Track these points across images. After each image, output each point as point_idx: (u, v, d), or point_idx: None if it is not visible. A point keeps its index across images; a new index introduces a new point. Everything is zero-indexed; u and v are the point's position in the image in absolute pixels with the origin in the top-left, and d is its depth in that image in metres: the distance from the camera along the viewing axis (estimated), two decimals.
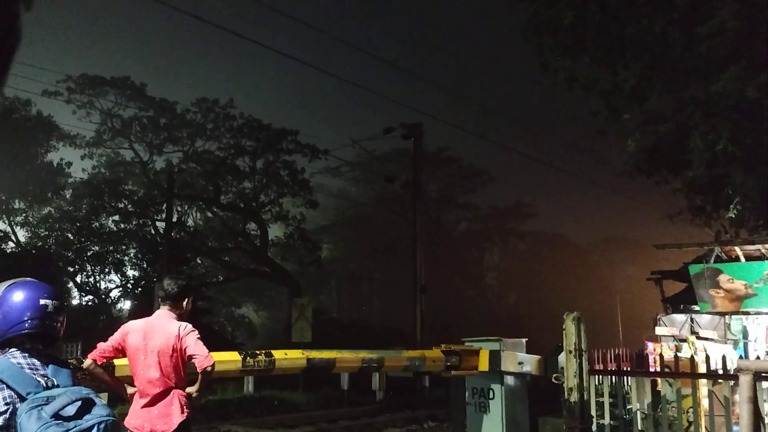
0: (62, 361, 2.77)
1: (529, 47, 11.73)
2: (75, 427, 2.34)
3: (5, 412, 2.46)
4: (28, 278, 2.81)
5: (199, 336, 4.87)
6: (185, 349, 4.80)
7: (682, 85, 11.06)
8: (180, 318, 4.99)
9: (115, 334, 4.92)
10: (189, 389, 4.89)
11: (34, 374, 2.57)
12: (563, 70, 11.43)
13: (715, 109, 10.30)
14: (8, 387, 2.49)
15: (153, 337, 4.81)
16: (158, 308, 5.08)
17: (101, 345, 4.84)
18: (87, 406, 2.44)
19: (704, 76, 10.40)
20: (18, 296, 2.69)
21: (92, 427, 2.37)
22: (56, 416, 2.36)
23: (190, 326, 4.90)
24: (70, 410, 2.39)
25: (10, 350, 2.65)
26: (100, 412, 2.45)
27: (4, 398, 2.48)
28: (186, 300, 5.08)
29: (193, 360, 4.81)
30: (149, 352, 4.77)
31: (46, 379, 2.57)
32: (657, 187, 13.10)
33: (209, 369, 4.79)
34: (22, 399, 2.46)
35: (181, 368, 4.85)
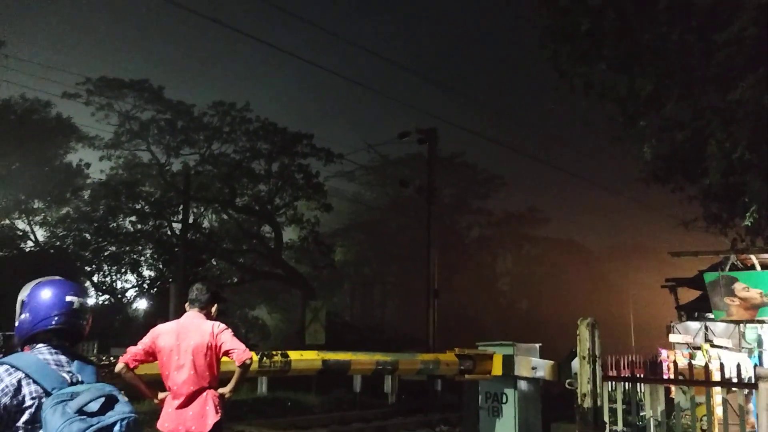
0: (87, 359, 2.83)
1: (546, 54, 11.73)
2: (98, 423, 2.38)
3: (31, 406, 2.52)
4: (57, 277, 2.87)
5: (233, 333, 4.92)
6: (221, 345, 4.82)
7: (700, 93, 11.01)
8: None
9: (145, 338, 4.92)
10: (222, 390, 4.90)
11: (60, 370, 2.63)
12: (579, 77, 11.41)
13: (733, 117, 10.26)
14: (35, 382, 2.55)
15: (187, 337, 4.83)
16: (186, 311, 5.10)
17: (132, 349, 4.84)
18: (110, 402, 2.48)
19: (722, 84, 10.36)
20: (46, 293, 2.76)
21: (115, 423, 2.40)
22: (80, 412, 2.40)
23: (223, 324, 4.96)
24: (94, 406, 2.43)
25: (37, 346, 2.71)
26: (122, 408, 2.49)
27: (31, 393, 2.54)
28: (215, 306, 5.13)
29: (230, 355, 4.83)
30: (183, 351, 4.79)
31: (71, 375, 2.63)
32: (672, 194, 13.04)
33: (249, 362, 4.83)
34: (48, 394, 2.51)
35: (215, 367, 4.88)
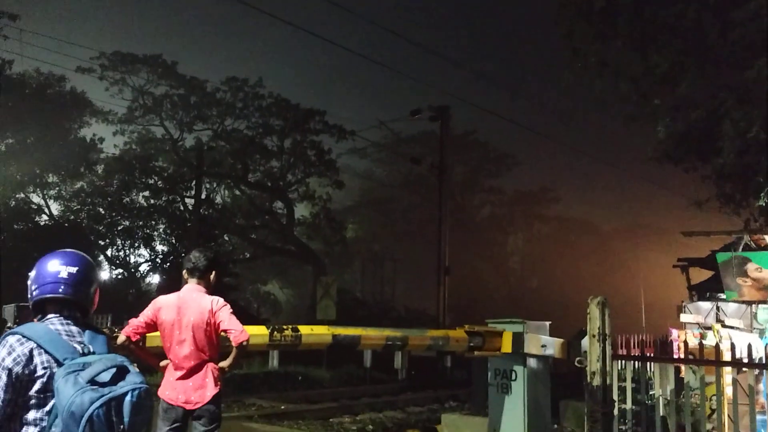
0: (98, 329, 2.86)
1: (561, 31, 11.63)
2: (110, 392, 2.41)
3: (43, 376, 2.56)
4: (68, 249, 2.90)
5: (231, 310, 4.94)
6: (219, 323, 4.86)
7: (715, 71, 10.91)
8: (208, 292, 5.05)
9: (146, 309, 4.97)
10: (221, 363, 4.96)
11: (71, 341, 2.66)
12: (594, 55, 11.32)
13: (748, 96, 10.16)
14: (46, 352, 2.58)
15: (187, 312, 4.87)
16: (185, 282, 5.12)
17: (133, 321, 4.89)
18: (121, 373, 2.51)
19: (737, 63, 10.25)
20: (42, 264, 2.80)
21: (126, 393, 2.43)
22: (92, 382, 2.43)
23: (222, 300, 4.96)
24: (105, 376, 2.46)
25: (49, 317, 2.75)
26: (133, 379, 2.52)
27: (42, 362, 2.57)
28: (212, 273, 5.12)
29: (227, 335, 4.87)
30: (183, 327, 4.84)
31: (82, 345, 2.66)
32: (686, 174, 12.97)
33: (245, 343, 4.86)
34: (59, 364, 2.55)
35: (215, 342, 4.93)
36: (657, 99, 11.67)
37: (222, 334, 4.94)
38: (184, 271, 5.15)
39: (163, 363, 4.96)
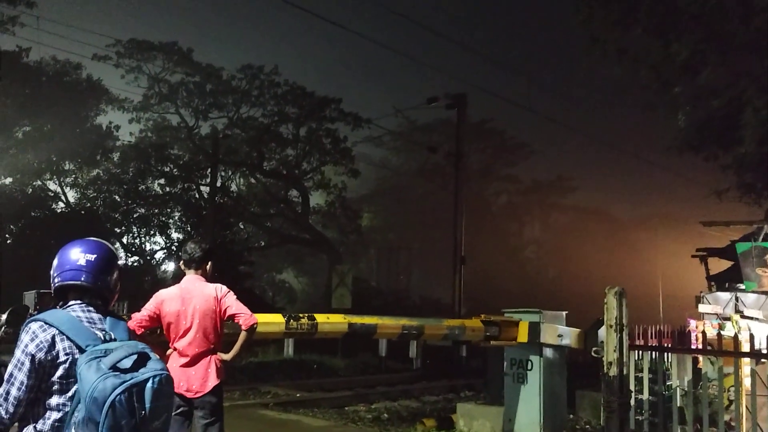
0: (119, 316, 2.89)
1: (580, 18, 11.52)
2: (131, 378, 2.43)
3: (65, 362, 2.59)
4: (91, 238, 2.92)
5: (236, 296, 4.98)
6: (225, 309, 4.90)
7: (737, 59, 10.77)
8: (206, 281, 5.08)
9: (149, 303, 5.02)
10: (224, 356, 4.99)
11: (92, 327, 2.68)
12: (613, 42, 11.20)
13: None
14: (68, 338, 2.61)
15: (192, 301, 4.90)
16: (183, 274, 5.15)
17: (136, 315, 4.94)
18: (142, 359, 2.53)
19: (760, 50, 10.11)
20: (64, 251, 2.83)
21: (147, 379, 2.45)
22: (114, 368, 2.45)
23: (225, 287, 5.01)
24: (127, 363, 2.48)
25: (70, 304, 2.77)
26: (154, 366, 2.54)
27: (64, 349, 2.60)
28: (209, 263, 5.15)
29: (236, 319, 4.90)
30: (189, 315, 4.89)
31: (103, 332, 2.68)
32: (705, 163, 12.83)
33: (255, 326, 4.90)
34: (81, 350, 2.57)
35: (219, 330, 4.98)
36: (677, 87, 11.55)
37: (229, 320, 4.97)
38: (181, 263, 5.20)
39: (168, 353, 5.00)
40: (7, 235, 25.26)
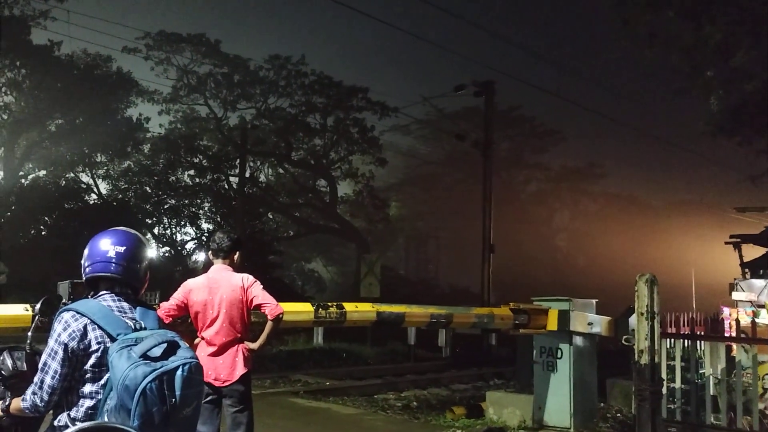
0: (149, 306, 2.92)
1: (611, 0, 11.36)
2: (162, 367, 2.46)
3: (97, 350, 2.63)
4: (120, 228, 2.95)
5: (262, 286, 5.00)
6: (252, 299, 4.93)
7: None
8: (234, 271, 5.11)
9: (177, 293, 5.07)
10: (251, 345, 5.03)
11: (123, 317, 2.72)
12: (644, 25, 11.02)
13: None
14: (99, 327, 2.65)
15: (219, 290, 4.94)
16: (211, 264, 5.19)
17: (164, 305, 4.99)
18: (172, 348, 2.56)
19: None
20: (94, 242, 2.87)
21: (177, 367, 2.48)
22: (144, 356, 2.48)
23: (252, 277, 5.03)
24: (157, 351, 2.51)
25: (101, 294, 2.81)
26: (184, 354, 2.57)
27: (96, 338, 2.64)
28: (236, 253, 5.18)
29: (262, 309, 4.93)
30: (216, 305, 4.92)
31: (134, 321, 2.72)
32: (739, 148, 12.61)
33: (281, 316, 4.93)
34: (112, 339, 2.61)
35: (246, 320, 5.01)
36: (710, 71, 11.33)
37: (256, 309, 5.00)
38: (210, 253, 5.24)
39: (195, 341, 5.04)
40: (41, 227, 25.72)
